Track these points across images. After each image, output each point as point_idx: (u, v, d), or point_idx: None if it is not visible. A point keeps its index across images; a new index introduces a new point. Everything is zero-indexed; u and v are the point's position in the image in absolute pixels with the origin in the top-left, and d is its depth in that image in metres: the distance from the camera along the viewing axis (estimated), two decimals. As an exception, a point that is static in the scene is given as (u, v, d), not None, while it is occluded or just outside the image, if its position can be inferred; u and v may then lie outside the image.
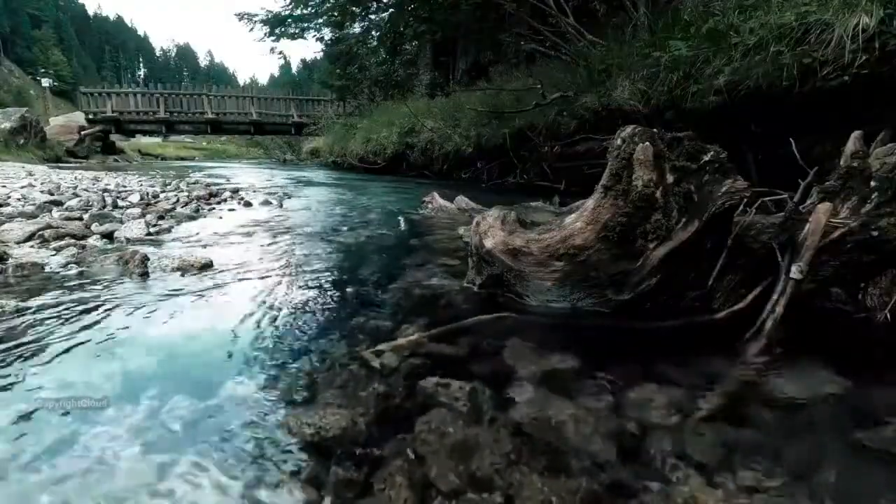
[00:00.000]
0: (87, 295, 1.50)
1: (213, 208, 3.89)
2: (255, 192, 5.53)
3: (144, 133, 21.63)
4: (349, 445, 0.79)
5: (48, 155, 12.81)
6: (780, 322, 1.23)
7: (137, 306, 1.42)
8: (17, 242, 2.17)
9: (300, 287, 1.68)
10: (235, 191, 5.30)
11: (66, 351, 1.11)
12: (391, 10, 13.41)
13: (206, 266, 1.86)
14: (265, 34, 15.61)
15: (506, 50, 9.50)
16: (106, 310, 1.38)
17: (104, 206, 3.27)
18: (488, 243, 1.52)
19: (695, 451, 0.79)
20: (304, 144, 19.23)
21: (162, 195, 4.33)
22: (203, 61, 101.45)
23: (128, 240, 2.42)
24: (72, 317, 1.32)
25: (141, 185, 5.33)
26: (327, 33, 16.09)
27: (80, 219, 2.75)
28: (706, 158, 1.32)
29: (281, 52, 31.97)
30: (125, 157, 17.53)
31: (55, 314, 1.33)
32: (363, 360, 1.09)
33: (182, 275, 1.76)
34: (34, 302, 1.41)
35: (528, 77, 6.91)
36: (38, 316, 1.31)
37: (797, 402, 0.96)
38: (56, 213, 2.95)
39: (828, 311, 1.41)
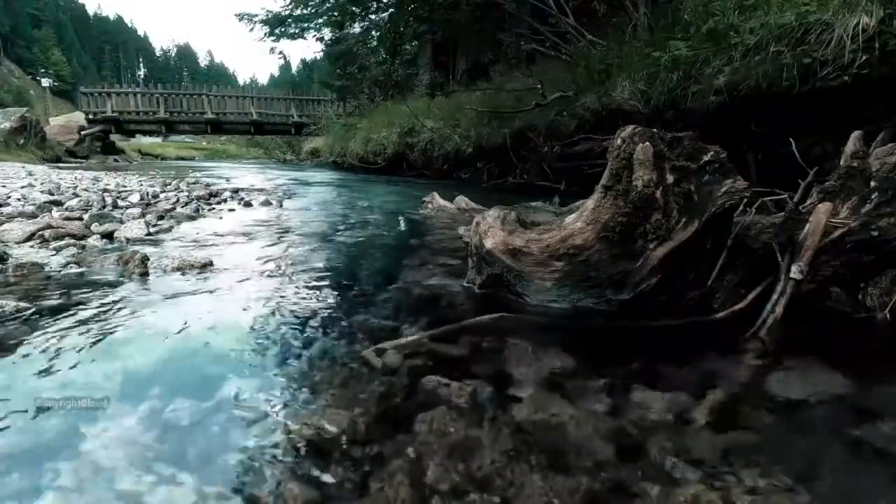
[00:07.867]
0: (87, 295, 1.50)
1: (213, 208, 3.89)
2: (255, 192, 5.52)
3: (144, 133, 21.65)
4: (349, 445, 0.79)
5: (48, 155, 12.82)
6: (779, 322, 1.24)
7: (137, 306, 1.42)
8: (17, 242, 2.18)
9: (300, 287, 1.68)
10: (235, 191, 5.30)
11: (66, 350, 1.11)
12: (391, 10, 13.41)
13: (206, 266, 1.86)
14: (265, 34, 15.64)
15: (506, 50, 9.50)
16: (106, 310, 1.38)
17: (104, 206, 3.27)
18: (488, 243, 1.52)
19: (695, 450, 0.79)
20: (304, 144, 19.22)
21: (162, 195, 4.33)
22: (203, 61, 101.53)
23: (128, 240, 2.42)
24: (72, 316, 1.31)
25: (141, 185, 5.33)
26: (327, 33, 16.13)
27: (80, 219, 2.75)
28: (706, 158, 1.32)
29: (281, 52, 31.92)
30: (125, 157, 17.55)
31: (55, 314, 1.33)
32: (364, 359, 1.09)
33: (182, 275, 1.76)
34: (34, 302, 1.41)
35: (528, 77, 6.90)
36: (38, 316, 1.31)
37: (797, 402, 0.96)
38: (56, 213, 2.95)
39: (828, 311, 1.41)
